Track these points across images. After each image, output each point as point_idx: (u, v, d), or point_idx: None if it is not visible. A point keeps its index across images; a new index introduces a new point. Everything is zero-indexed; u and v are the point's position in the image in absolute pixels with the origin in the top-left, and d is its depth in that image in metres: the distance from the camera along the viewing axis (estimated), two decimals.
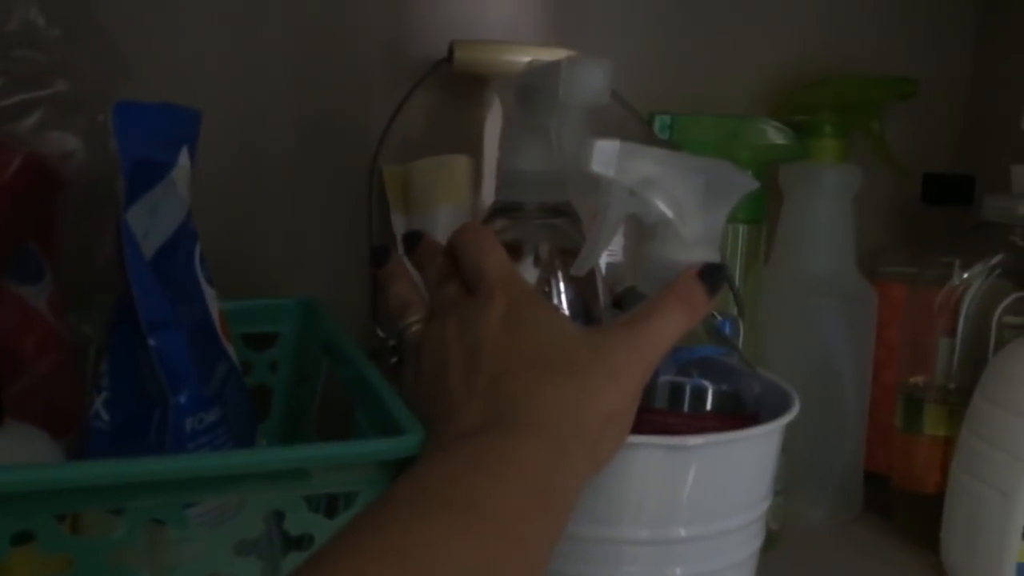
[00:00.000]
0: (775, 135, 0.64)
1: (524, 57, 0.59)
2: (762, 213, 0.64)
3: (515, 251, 0.49)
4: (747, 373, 0.46)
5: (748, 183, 0.44)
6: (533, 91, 0.48)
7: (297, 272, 0.63)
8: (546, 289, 0.53)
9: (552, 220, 0.50)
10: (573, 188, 0.49)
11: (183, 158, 0.40)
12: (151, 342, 0.37)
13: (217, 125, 0.53)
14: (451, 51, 0.61)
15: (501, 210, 0.50)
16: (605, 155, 0.42)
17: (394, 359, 0.45)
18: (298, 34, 0.62)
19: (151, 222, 0.38)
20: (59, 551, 0.34)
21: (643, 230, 0.45)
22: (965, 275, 0.63)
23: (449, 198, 0.60)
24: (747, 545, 0.44)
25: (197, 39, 0.60)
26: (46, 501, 0.33)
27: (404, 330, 0.44)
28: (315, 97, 0.63)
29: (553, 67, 0.46)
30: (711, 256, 0.43)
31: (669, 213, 0.42)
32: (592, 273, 0.60)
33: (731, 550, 0.43)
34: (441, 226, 0.59)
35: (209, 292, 0.46)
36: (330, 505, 0.39)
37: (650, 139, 0.64)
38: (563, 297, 0.54)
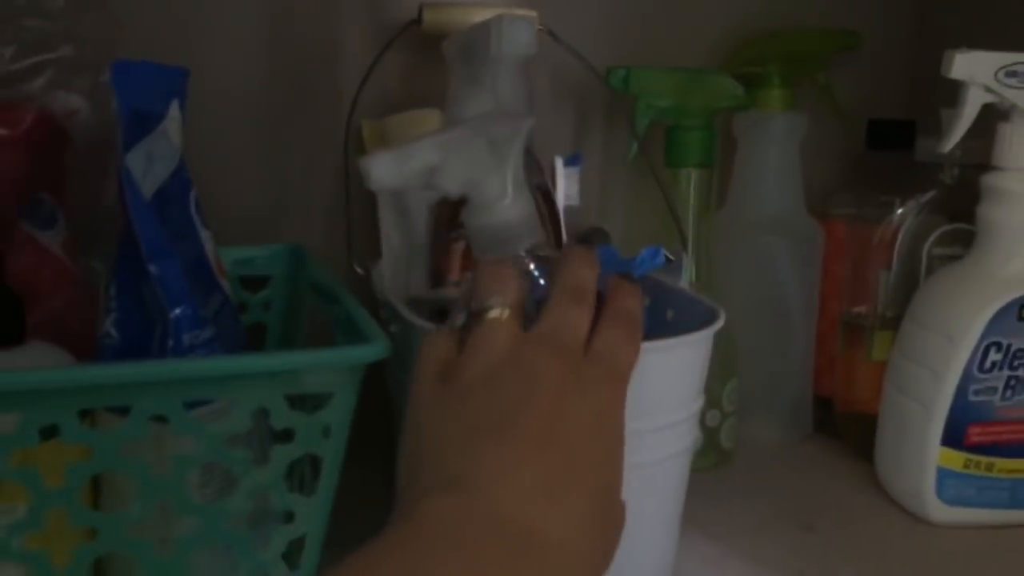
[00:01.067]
0: (724, 86, 0.70)
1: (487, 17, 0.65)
2: (712, 159, 0.70)
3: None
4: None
5: (523, 122, 0.47)
6: (471, 48, 0.53)
7: (283, 219, 0.70)
8: None
9: None
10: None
11: (174, 110, 0.46)
12: (151, 268, 0.43)
13: (207, 83, 0.58)
14: (420, 13, 0.66)
15: None
16: (381, 171, 0.46)
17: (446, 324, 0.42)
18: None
19: (147, 166, 0.44)
20: (79, 442, 0.40)
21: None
22: (899, 211, 0.69)
23: None
24: (682, 439, 0.50)
25: (187, 4, 0.65)
26: (67, 399, 0.39)
27: (482, 312, 0.39)
28: (297, 56, 0.69)
29: (486, 25, 0.51)
30: (520, 211, 0.47)
31: (460, 192, 0.46)
32: (556, 216, 0.66)
33: (668, 443, 0.49)
34: None
35: (204, 233, 0.52)
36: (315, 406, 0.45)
37: (605, 92, 0.69)
38: None
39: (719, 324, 0.50)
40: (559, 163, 0.69)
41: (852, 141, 0.79)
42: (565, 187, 0.68)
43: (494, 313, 0.39)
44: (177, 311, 0.42)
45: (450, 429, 0.37)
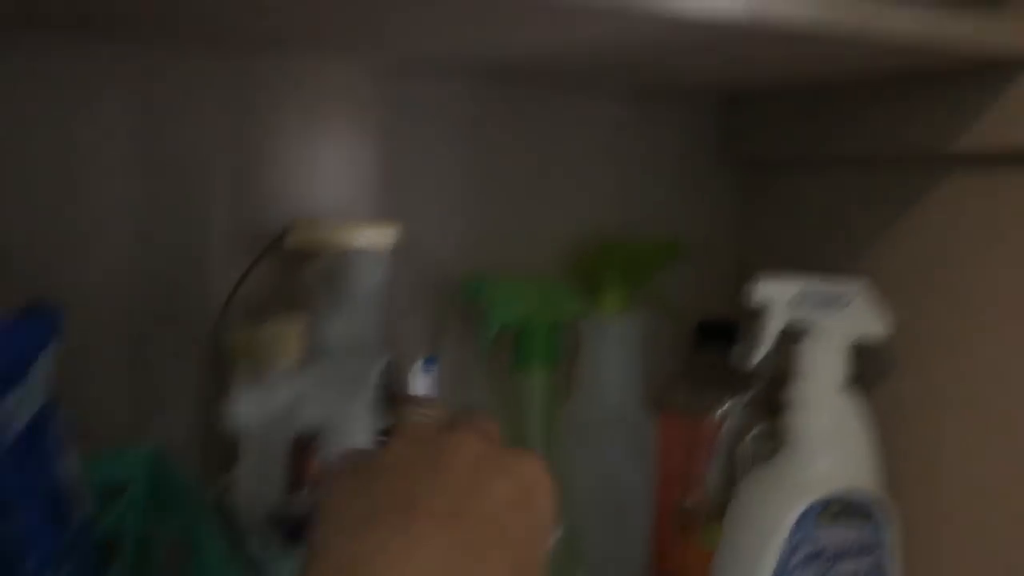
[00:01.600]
0: (567, 299, 0.77)
1: (349, 237, 0.71)
2: (556, 362, 0.76)
3: None
4: None
5: (379, 359, 0.54)
6: (329, 277, 0.59)
7: (147, 425, 0.72)
8: None
9: None
10: None
11: (44, 361, 0.49)
12: (11, 516, 0.45)
13: (79, 294, 0.62)
14: (284, 234, 0.72)
15: None
16: (244, 411, 0.51)
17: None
18: (151, 212, 0.72)
19: (16, 412, 0.47)
20: None
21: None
22: (722, 409, 0.76)
23: (284, 358, 0.70)
24: None
25: (62, 227, 0.69)
26: None
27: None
28: (168, 267, 0.73)
29: (343, 259, 0.57)
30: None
31: (319, 423, 0.52)
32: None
33: None
34: None
35: (66, 457, 0.55)
36: None
37: (450, 303, 0.76)
38: None
39: (556, 535, 0.55)
40: (417, 366, 0.75)
41: (686, 338, 0.88)
42: (422, 388, 0.73)
43: (417, 417, 0.43)
44: (34, 559, 0.45)
45: (355, 508, 0.35)
